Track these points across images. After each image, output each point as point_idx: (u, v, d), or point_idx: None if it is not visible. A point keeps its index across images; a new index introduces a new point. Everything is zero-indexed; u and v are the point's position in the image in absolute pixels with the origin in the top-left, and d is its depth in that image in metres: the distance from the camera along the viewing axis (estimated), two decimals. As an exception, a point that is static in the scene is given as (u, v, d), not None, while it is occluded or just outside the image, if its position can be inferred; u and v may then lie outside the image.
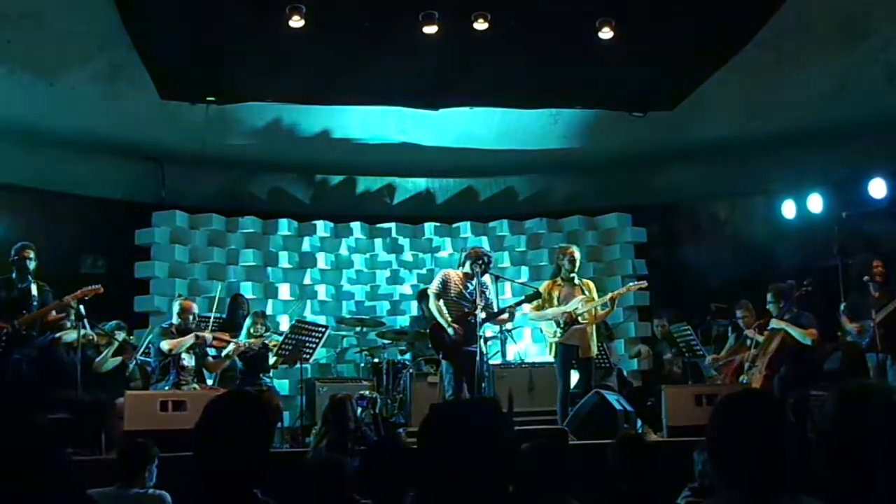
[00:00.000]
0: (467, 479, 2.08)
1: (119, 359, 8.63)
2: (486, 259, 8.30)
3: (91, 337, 8.21)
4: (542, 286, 8.65)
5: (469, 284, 8.27)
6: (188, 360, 8.37)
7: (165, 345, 8.30)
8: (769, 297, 8.53)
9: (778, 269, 9.88)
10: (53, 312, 8.02)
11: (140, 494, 4.96)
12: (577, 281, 8.48)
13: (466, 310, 8.17)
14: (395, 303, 11.88)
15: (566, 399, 8.24)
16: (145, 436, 6.27)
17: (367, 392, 8.66)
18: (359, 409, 8.29)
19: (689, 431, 7.07)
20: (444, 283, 8.30)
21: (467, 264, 8.33)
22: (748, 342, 8.73)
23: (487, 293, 8.34)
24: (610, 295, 8.45)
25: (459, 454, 2.10)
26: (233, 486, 2.47)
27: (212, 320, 8.82)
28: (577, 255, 8.52)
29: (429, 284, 10.77)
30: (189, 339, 8.36)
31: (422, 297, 10.38)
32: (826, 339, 8.79)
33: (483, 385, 8.16)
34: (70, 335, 8.08)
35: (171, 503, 4.94)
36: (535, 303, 8.48)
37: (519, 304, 8.48)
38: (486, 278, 8.42)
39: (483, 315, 8.10)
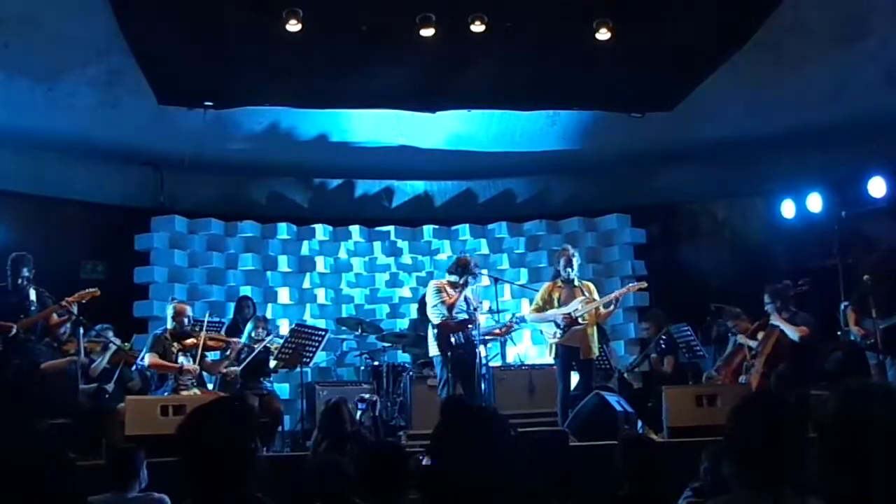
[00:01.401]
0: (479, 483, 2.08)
1: (95, 385, 8.32)
2: (474, 269, 8.40)
3: (85, 361, 8.05)
4: (542, 288, 8.71)
5: (460, 293, 8.40)
6: (186, 363, 8.32)
7: (148, 359, 8.19)
8: (766, 298, 8.54)
9: (777, 269, 9.88)
10: (55, 315, 8.01)
11: (139, 498, 4.96)
12: (577, 283, 8.49)
13: (464, 318, 8.33)
14: (394, 306, 11.87)
15: (566, 401, 8.24)
16: (146, 440, 6.29)
17: (366, 395, 8.67)
18: (358, 413, 8.31)
19: (689, 432, 7.05)
20: (444, 291, 8.42)
21: (456, 272, 8.40)
22: (744, 347, 8.80)
23: (473, 302, 8.48)
24: (615, 294, 8.50)
25: (471, 458, 2.11)
26: (220, 488, 2.50)
27: (205, 324, 8.76)
28: (574, 256, 8.53)
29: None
30: (173, 368, 8.18)
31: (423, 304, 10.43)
32: (826, 339, 8.79)
33: (483, 387, 8.25)
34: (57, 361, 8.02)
35: (171, 506, 4.94)
36: (534, 304, 8.56)
37: (509, 325, 8.80)
38: (470, 290, 8.51)
39: (466, 317, 8.33)
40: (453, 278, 8.45)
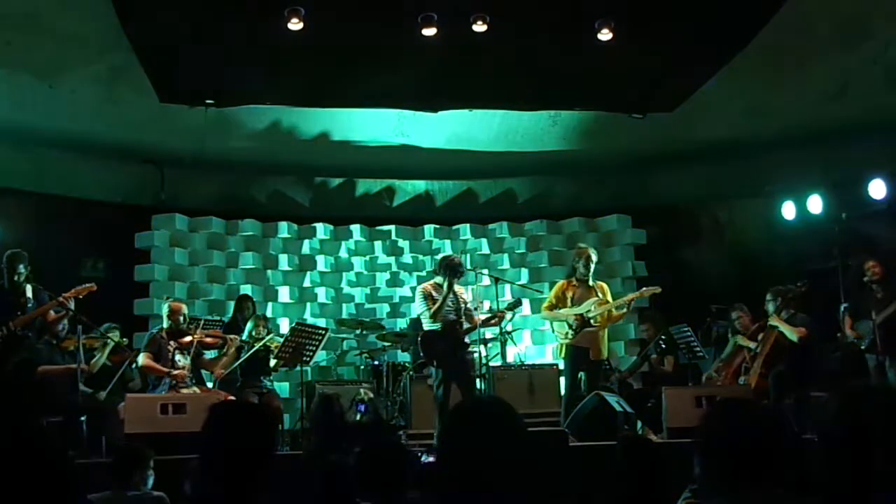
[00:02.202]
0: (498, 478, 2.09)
1: (90, 391, 8.22)
2: (458, 268, 8.30)
3: (85, 367, 7.99)
4: (556, 286, 8.72)
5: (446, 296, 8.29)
6: (182, 361, 8.30)
7: (141, 360, 8.22)
8: (768, 296, 8.58)
9: (778, 270, 9.88)
10: (52, 312, 8.00)
11: (138, 496, 4.96)
12: (591, 283, 8.50)
13: (451, 318, 8.21)
14: (394, 305, 11.87)
15: (571, 401, 8.22)
16: (146, 439, 6.29)
17: (364, 395, 8.67)
18: (358, 415, 8.31)
19: (689, 433, 7.04)
20: (429, 298, 8.29)
21: (441, 273, 8.33)
22: (744, 348, 8.81)
23: (461, 301, 8.38)
24: (629, 297, 8.52)
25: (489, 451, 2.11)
26: (236, 488, 2.54)
27: (202, 322, 8.75)
28: (594, 257, 8.55)
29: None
30: (162, 372, 8.16)
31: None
32: (826, 340, 8.80)
33: (483, 387, 8.21)
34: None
35: (171, 505, 4.93)
36: (547, 302, 8.55)
37: (500, 314, 8.54)
38: (459, 289, 8.43)
39: (454, 316, 8.18)
40: (438, 279, 8.38)
